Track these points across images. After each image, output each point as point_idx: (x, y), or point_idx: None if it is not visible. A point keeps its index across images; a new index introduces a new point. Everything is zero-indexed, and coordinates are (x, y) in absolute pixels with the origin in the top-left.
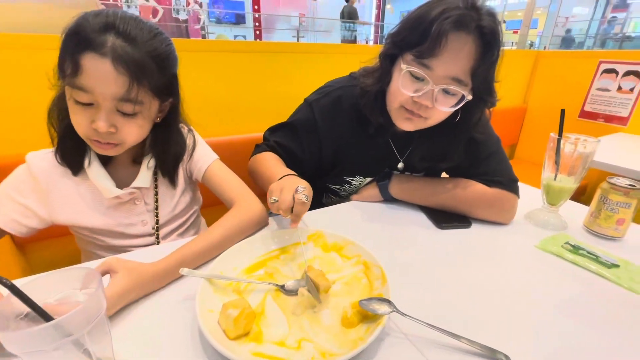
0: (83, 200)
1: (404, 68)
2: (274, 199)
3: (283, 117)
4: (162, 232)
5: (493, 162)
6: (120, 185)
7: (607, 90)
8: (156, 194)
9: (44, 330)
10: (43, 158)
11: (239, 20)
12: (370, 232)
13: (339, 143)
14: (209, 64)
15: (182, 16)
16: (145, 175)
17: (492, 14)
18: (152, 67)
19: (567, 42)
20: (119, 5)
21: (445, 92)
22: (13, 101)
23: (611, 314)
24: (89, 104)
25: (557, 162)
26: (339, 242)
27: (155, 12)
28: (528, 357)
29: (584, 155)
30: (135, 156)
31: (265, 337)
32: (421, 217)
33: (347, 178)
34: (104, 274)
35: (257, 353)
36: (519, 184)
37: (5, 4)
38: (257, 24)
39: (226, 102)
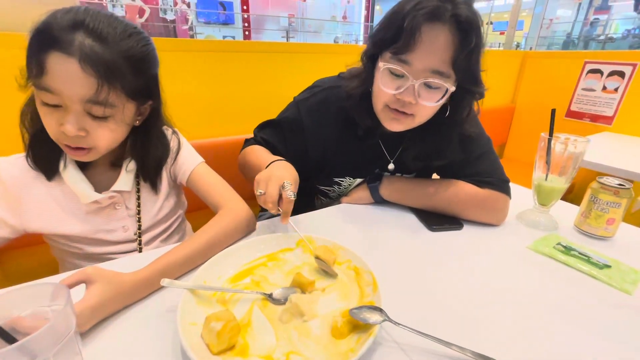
0: (58, 206)
1: (381, 66)
2: (260, 192)
3: (272, 118)
4: (144, 238)
5: (484, 162)
6: (99, 189)
7: (593, 90)
8: (138, 198)
9: (7, 354)
10: (13, 163)
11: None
12: (361, 236)
13: (327, 144)
14: (196, 64)
15: (170, 16)
16: (125, 178)
17: (468, 3)
18: (125, 68)
19: (554, 43)
20: (104, 4)
21: (427, 86)
22: None
23: (603, 315)
24: (57, 106)
25: (548, 162)
26: (329, 247)
27: (141, 12)
28: None
29: (575, 155)
30: (115, 159)
31: (251, 350)
32: (412, 220)
33: (336, 179)
34: (78, 284)
35: None
36: (510, 184)
37: None
38: (246, 24)
39: (213, 103)
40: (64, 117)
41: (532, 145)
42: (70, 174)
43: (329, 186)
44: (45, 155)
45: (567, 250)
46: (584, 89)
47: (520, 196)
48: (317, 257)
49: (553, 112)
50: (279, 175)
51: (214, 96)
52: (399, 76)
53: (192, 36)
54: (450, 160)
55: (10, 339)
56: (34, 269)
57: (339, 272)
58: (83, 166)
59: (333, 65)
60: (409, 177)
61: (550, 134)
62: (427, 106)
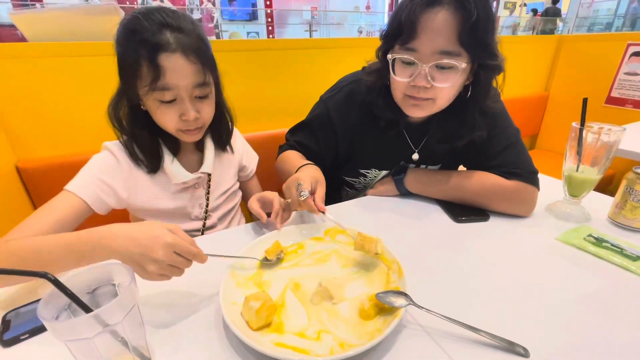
0: (157, 185)
1: (390, 58)
2: (287, 201)
3: (301, 114)
4: (213, 216)
5: (511, 153)
6: (189, 171)
7: (636, 74)
8: (209, 179)
9: (85, 321)
10: (120, 147)
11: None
12: (387, 226)
13: (354, 136)
14: (223, 65)
15: (196, 15)
16: (209, 161)
17: None
18: (205, 49)
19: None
20: (135, 7)
21: (440, 67)
22: (54, 105)
23: (636, 308)
24: (173, 100)
25: (579, 153)
26: (368, 237)
27: None
28: (547, 351)
29: (608, 144)
30: (198, 141)
31: (286, 328)
32: (438, 211)
33: (362, 170)
34: None
35: (279, 343)
36: (539, 175)
37: (30, 15)
38: (269, 19)
39: (240, 102)
40: (181, 108)
41: (567, 135)
42: (167, 160)
43: (354, 177)
44: (149, 152)
45: (599, 242)
46: (626, 74)
47: (551, 187)
48: (356, 248)
49: (585, 101)
50: (294, 179)
51: (240, 95)
52: (409, 64)
53: (217, 34)
54: (473, 140)
55: (88, 309)
56: None
57: (365, 259)
58: (175, 152)
59: (357, 59)
60: (434, 168)
61: (582, 123)
62: (444, 88)
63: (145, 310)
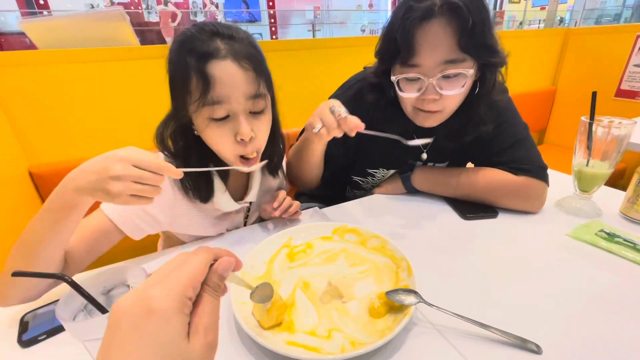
0: (200, 211)
1: (394, 80)
2: (318, 127)
3: (307, 115)
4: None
5: (520, 149)
6: (234, 197)
7: None
8: (250, 204)
9: (102, 321)
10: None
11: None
12: (395, 225)
13: (362, 136)
14: None
15: (200, 18)
16: (254, 190)
17: None
18: (259, 57)
19: (604, 15)
20: (140, 12)
21: (446, 77)
22: (64, 110)
23: None
24: (226, 117)
25: (589, 147)
26: (363, 234)
27: (174, 17)
28: (560, 348)
29: (619, 138)
30: None
31: (296, 327)
32: (446, 208)
33: (370, 170)
34: None
35: (290, 342)
36: (549, 170)
37: (40, 23)
38: (272, 20)
39: None
40: (235, 126)
41: (576, 129)
42: (218, 189)
43: (362, 177)
44: (201, 186)
45: (611, 237)
46: (636, 65)
47: (561, 182)
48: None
49: (594, 95)
50: (323, 105)
51: None
52: (415, 80)
53: None
54: (480, 134)
55: (103, 310)
56: (124, 250)
57: (373, 257)
58: (224, 179)
59: (361, 58)
60: (442, 166)
61: (592, 117)
62: (454, 95)
63: None
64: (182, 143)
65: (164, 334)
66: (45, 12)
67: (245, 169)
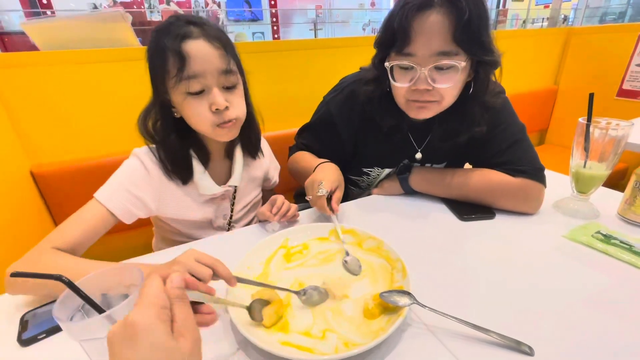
0: (186, 196)
1: (388, 66)
2: (309, 198)
3: (309, 114)
4: (236, 226)
5: (517, 150)
6: (217, 182)
7: None
8: (235, 190)
9: (98, 321)
10: (150, 156)
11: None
12: (391, 225)
13: (357, 136)
14: None
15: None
16: (237, 174)
17: None
18: (227, 39)
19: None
20: (143, 11)
21: (438, 68)
22: (66, 110)
23: None
24: (201, 92)
25: (586, 149)
26: (360, 235)
27: None
28: (553, 350)
29: (616, 139)
30: (228, 148)
31: (291, 327)
32: (443, 209)
33: (364, 169)
34: None
35: (284, 342)
36: (546, 171)
37: (41, 24)
38: (274, 19)
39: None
40: (210, 97)
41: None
42: (198, 171)
43: (358, 176)
44: (180, 162)
45: (607, 238)
46: (638, 65)
47: (558, 184)
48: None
49: (591, 96)
50: (317, 180)
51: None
52: (408, 69)
53: None
54: (474, 135)
55: (100, 310)
56: (121, 251)
57: (369, 258)
58: (205, 163)
59: (363, 57)
60: (439, 167)
61: (589, 119)
62: (447, 88)
63: None
64: (163, 127)
65: (154, 340)
66: (48, 12)
67: (224, 134)
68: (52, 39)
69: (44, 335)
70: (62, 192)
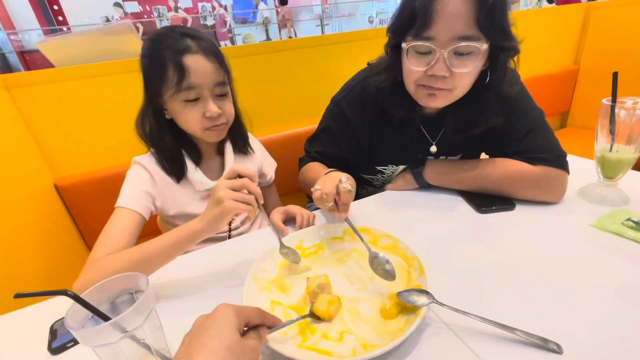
0: (186, 193)
1: (405, 47)
2: (316, 187)
3: (318, 113)
4: (237, 219)
5: (536, 137)
6: (212, 178)
7: None
8: None
9: (105, 328)
10: (149, 161)
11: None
12: (407, 221)
13: (371, 134)
14: (238, 70)
15: (210, 22)
16: (230, 165)
17: None
18: (220, 53)
19: None
20: (152, 20)
21: (458, 53)
22: (83, 123)
23: None
24: (196, 100)
25: (611, 132)
26: (374, 234)
27: (185, 22)
28: (583, 348)
29: None
30: (219, 146)
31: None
32: (460, 202)
33: (379, 168)
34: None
35: (301, 345)
36: (569, 157)
37: (55, 42)
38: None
39: (258, 105)
40: (203, 106)
41: None
42: (191, 169)
43: (372, 175)
44: (173, 161)
45: (639, 226)
46: None
47: (583, 170)
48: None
49: (615, 75)
50: (334, 176)
51: (256, 98)
52: (425, 53)
53: (231, 38)
54: (491, 127)
55: (106, 318)
56: None
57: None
58: (197, 160)
59: (371, 51)
60: (454, 159)
61: (614, 99)
62: (464, 75)
63: (165, 315)
64: (157, 130)
65: (225, 331)
66: (64, 28)
67: (213, 135)
68: (66, 56)
69: (73, 342)
70: (84, 202)
